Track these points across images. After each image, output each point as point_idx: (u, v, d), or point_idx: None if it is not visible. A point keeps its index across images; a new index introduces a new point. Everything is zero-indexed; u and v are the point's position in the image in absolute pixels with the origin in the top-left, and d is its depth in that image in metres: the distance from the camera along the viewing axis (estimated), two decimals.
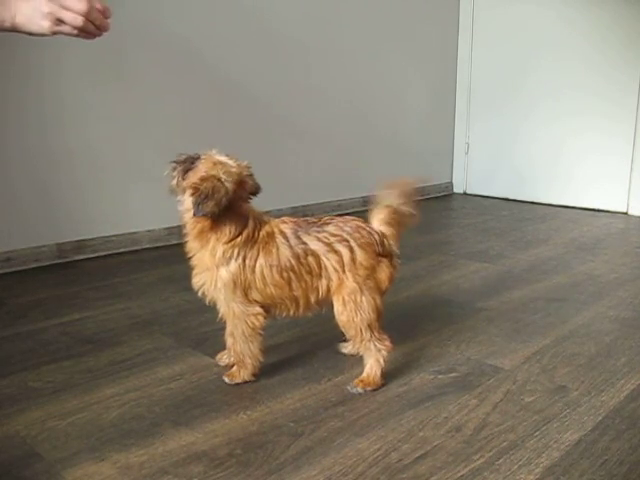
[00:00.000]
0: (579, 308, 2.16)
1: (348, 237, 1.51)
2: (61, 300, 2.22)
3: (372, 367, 1.55)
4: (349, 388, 1.55)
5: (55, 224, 2.63)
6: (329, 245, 1.50)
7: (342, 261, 1.49)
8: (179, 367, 1.65)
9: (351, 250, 1.50)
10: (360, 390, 1.54)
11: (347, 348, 1.73)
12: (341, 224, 1.53)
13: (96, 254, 2.76)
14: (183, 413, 1.45)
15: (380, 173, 3.93)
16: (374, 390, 1.54)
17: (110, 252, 2.80)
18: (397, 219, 1.60)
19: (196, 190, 1.40)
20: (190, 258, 1.52)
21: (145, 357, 1.75)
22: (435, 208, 4.10)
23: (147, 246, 2.91)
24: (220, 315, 1.55)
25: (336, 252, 1.49)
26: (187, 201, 1.45)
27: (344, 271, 1.50)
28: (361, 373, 1.57)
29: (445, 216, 3.96)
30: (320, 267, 1.50)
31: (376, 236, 1.53)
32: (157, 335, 1.91)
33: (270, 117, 3.34)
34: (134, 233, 2.84)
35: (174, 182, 1.47)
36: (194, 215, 1.42)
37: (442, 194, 4.51)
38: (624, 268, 2.65)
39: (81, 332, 1.93)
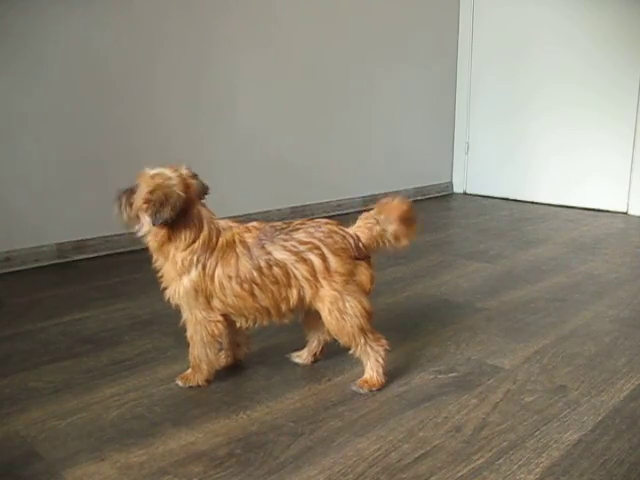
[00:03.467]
0: (579, 308, 2.16)
1: (320, 244, 1.46)
2: (61, 300, 2.22)
3: (373, 367, 1.55)
4: (354, 388, 1.55)
5: (55, 224, 2.63)
6: (297, 254, 1.45)
7: (313, 270, 1.46)
8: (179, 367, 1.65)
9: (323, 258, 1.46)
10: (366, 391, 1.54)
11: (301, 357, 1.71)
12: (312, 230, 1.49)
13: (96, 254, 2.76)
14: (183, 413, 1.45)
15: (380, 173, 3.98)
16: (379, 390, 1.55)
17: (110, 252, 2.80)
18: (378, 231, 1.53)
19: (149, 202, 1.42)
20: (159, 273, 1.53)
21: (145, 357, 1.75)
22: (435, 208, 4.10)
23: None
24: (182, 321, 1.55)
25: (306, 261, 1.45)
26: (145, 222, 1.47)
27: (317, 279, 1.46)
28: (361, 373, 1.57)
29: (445, 216, 3.96)
30: (288, 277, 1.46)
31: (351, 240, 1.49)
32: (157, 335, 1.91)
33: (269, 118, 3.34)
34: (134, 233, 2.83)
35: (125, 215, 1.49)
36: (153, 225, 1.43)
37: (442, 194, 4.51)
38: (624, 268, 2.65)
39: (81, 332, 1.93)
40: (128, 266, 2.64)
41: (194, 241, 1.46)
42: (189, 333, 1.54)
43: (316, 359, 1.69)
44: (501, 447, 1.31)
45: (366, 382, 1.55)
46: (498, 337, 1.90)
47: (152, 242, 1.50)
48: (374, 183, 3.88)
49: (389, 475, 1.21)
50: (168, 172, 1.47)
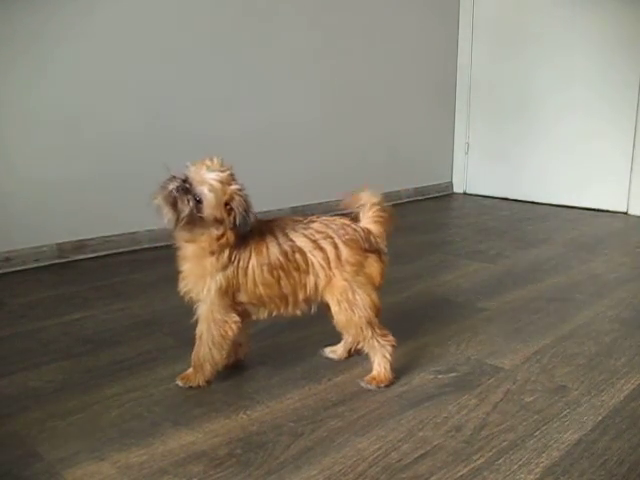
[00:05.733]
0: (579, 308, 2.16)
1: (333, 234, 1.52)
2: (61, 300, 2.22)
3: (380, 364, 1.56)
4: (362, 384, 1.56)
5: (55, 224, 2.63)
6: (315, 242, 1.51)
7: (328, 258, 1.50)
8: (179, 367, 1.65)
9: (335, 247, 1.50)
10: (374, 387, 1.54)
11: (335, 353, 1.72)
12: (327, 222, 1.55)
13: (96, 254, 2.76)
14: (183, 413, 1.45)
15: (380, 173, 3.97)
16: (387, 386, 1.55)
17: (110, 252, 2.80)
18: (384, 217, 1.59)
19: (230, 210, 1.43)
20: (182, 264, 1.51)
21: (145, 357, 1.75)
22: (435, 208, 4.10)
23: (147, 246, 2.90)
24: (196, 317, 1.53)
25: (321, 249, 1.50)
26: (210, 224, 1.44)
27: (330, 268, 1.50)
28: (361, 372, 1.58)
29: (445, 216, 3.96)
30: (307, 263, 1.50)
31: (361, 232, 1.54)
32: (157, 335, 1.91)
33: (270, 117, 3.34)
34: (134, 233, 2.84)
35: (186, 214, 1.41)
36: (243, 231, 1.44)
37: (442, 194, 4.50)
38: (624, 268, 2.65)
39: (81, 332, 1.93)
40: (128, 266, 2.64)
41: (237, 237, 1.47)
42: (199, 330, 1.53)
43: (350, 355, 1.70)
44: (501, 447, 1.31)
45: (374, 379, 1.56)
46: (498, 337, 1.90)
47: (214, 244, 1.45)
48: (374, 183, 3.86)
49: (389, 475, 1.21)
50: (228, 174, 1.47)
